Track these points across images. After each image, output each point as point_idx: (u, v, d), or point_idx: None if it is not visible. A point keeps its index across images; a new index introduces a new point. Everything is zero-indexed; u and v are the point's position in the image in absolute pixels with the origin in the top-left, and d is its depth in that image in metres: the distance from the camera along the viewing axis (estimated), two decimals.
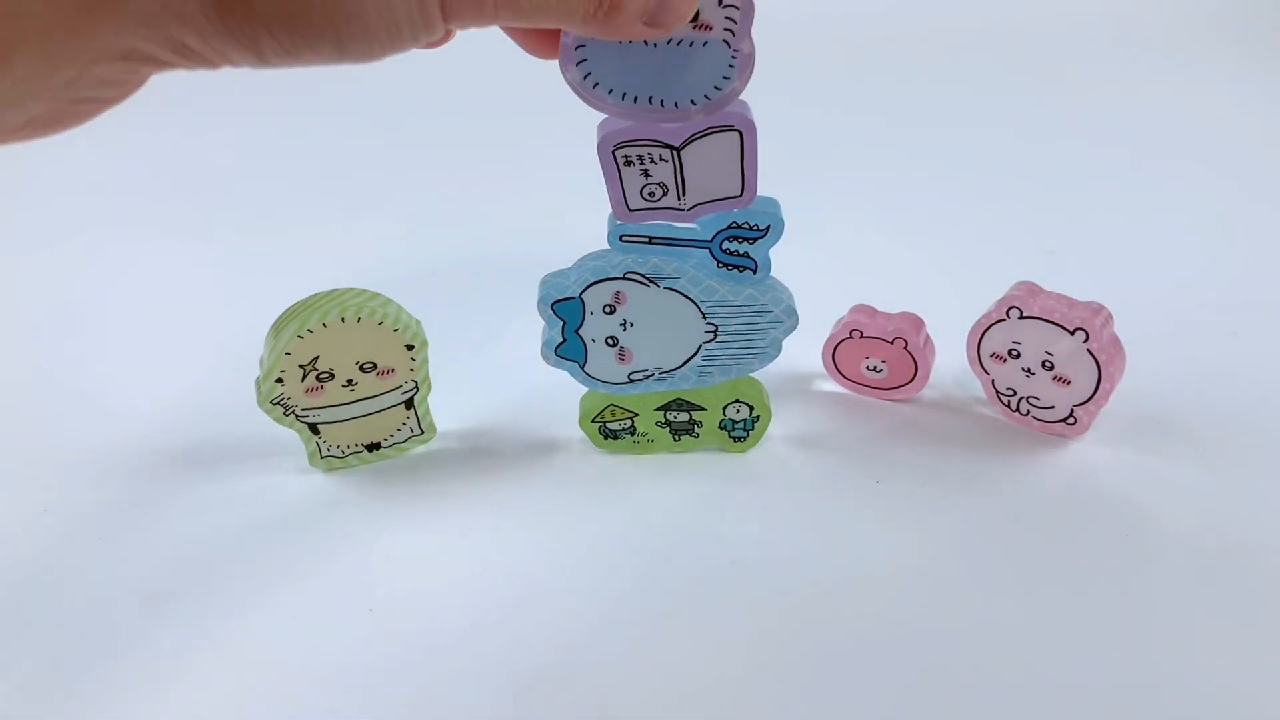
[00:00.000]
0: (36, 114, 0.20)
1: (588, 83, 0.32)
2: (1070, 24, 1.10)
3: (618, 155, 0.35)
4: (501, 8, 0.22)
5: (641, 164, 0.36)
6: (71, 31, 0.18)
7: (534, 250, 0.47)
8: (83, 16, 0.18)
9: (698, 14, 0.29)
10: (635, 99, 0.32)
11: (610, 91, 0.32)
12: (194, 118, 0.95)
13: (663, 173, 0.36)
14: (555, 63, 0.32)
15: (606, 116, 0.35)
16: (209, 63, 0.20)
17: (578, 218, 0.45)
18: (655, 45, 0.31)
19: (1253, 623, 0.37)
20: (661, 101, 0.33)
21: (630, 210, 0.38)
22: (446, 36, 0.26)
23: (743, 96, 0.35)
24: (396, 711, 0.35)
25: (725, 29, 0.30)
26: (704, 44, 0.30)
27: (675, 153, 0.35)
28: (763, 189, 0.38)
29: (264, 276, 0.65)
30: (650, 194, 0.37)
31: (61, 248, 0.73)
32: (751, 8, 0.29)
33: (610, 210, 0.38)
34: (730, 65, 0.31)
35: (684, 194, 0.37)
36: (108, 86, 0.20)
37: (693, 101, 0.32)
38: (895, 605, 0.39)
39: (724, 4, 0.29)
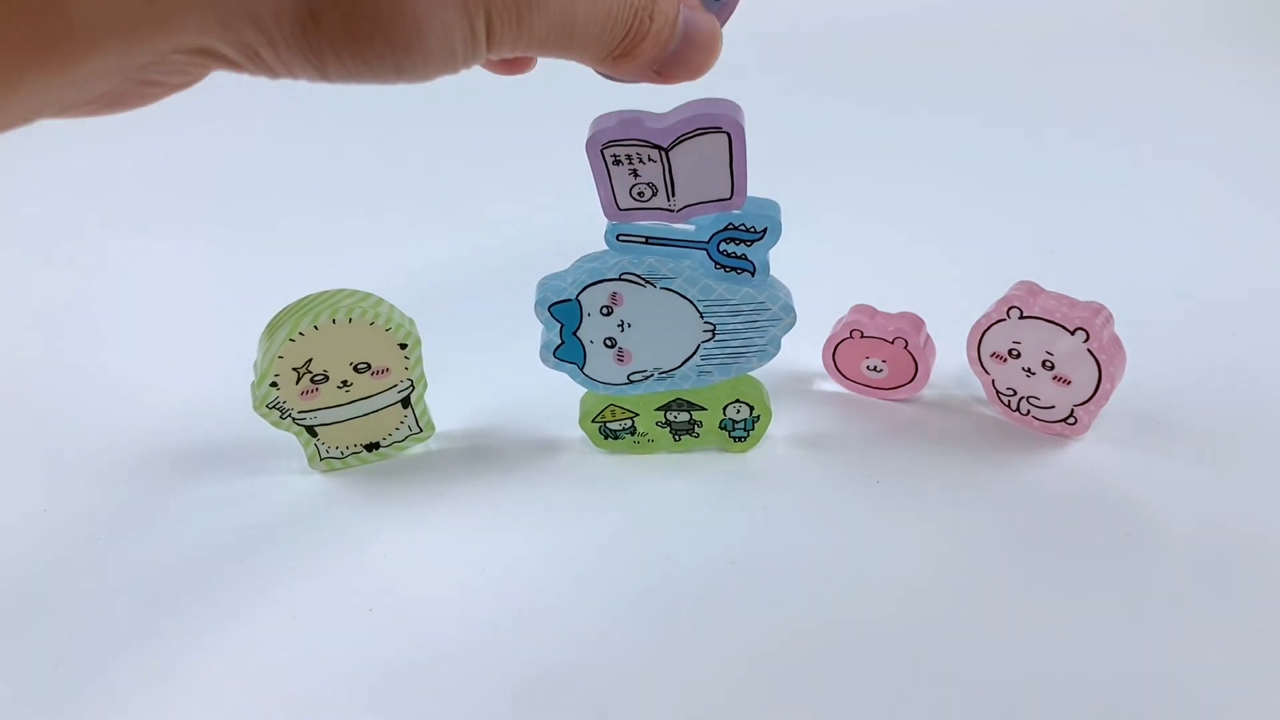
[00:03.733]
0: (107, 90, 0.22)
1: None
2: (1070, 22, 1.10)
3: (606, 154, 0.35)
4: (533, 43, 0.25)
5: (630, 163, 0.36)
6: (160, 25, 0.19)
7: (534, 250, 0.47)
8: (173, 14, 0.19)
9: None
10: None
11: None
12: (195, 118, 0.94)
13: (651, 173, 0.36)
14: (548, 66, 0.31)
15: (600, 115, 0.35)
16: (273, 72, 0.22)
17: (578, 218, 0.45)
18: None
19: (1253, 622, 0.37)
20: None
21: (620, 210, 0.38)
22: (521, 65, 0.31)
23: (741, 96, 0.35)
24: (396, 712, 0.35)
25: None
26: None
27: (664, 154, 0.35)
28: (764, 188, 0.38)
29: (266, 276, 0.65)
30: (640, 194, 0.37)
31: (61, 247, 0.73)
32: None
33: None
34: None
35: (673, 195, 0.37)
36: (176, 75, 0.23)
37: None
38: (895, 605, 0.39)
39: None
